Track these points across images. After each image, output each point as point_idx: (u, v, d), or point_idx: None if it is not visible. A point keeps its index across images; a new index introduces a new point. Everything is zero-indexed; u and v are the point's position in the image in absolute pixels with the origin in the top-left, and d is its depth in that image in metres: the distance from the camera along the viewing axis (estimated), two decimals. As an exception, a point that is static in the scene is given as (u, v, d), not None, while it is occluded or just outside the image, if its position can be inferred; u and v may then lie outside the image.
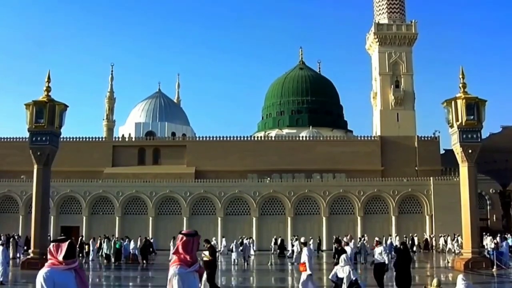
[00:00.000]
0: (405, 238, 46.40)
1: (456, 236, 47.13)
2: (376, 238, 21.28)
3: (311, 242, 42.23)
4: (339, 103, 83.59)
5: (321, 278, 24.25)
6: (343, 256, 15.36)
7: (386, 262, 18.55)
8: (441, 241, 50.11)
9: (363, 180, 55.06)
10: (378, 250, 18.74)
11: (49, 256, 5.34)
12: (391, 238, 45.97)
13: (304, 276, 16.29)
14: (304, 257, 16.53)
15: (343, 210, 55.08)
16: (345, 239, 31.45)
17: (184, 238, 5.55)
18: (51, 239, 37.02)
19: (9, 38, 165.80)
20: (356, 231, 52.78)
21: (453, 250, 45.79)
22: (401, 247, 18.28)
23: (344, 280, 14.72)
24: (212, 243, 40.01)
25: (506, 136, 51.74)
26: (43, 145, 28.75)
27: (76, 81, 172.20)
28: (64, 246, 5.25)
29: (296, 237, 42.42)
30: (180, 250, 5.52)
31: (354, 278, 14.52)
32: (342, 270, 14.88)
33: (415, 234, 51.39)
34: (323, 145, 64.27)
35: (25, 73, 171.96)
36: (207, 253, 17.66)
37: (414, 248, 47.69)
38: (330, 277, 16.22)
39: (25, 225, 48.73)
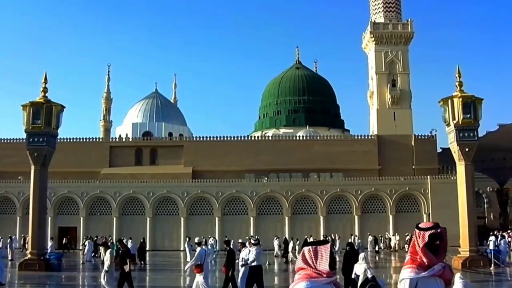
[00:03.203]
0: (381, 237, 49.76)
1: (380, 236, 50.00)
2: (252, 240, 18.34)
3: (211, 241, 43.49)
4: (336, 103, 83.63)
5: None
6: (362, 255, 15.29)
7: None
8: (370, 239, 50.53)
9: (360, 179, 55.06)
10: (253, 251, 16.74)
11: (301, 264, 4.09)
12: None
13: (199, 279, 15.74)
14: (197, 258, 16.01)
15: (341, 210, 55.09)
16: (240, 240, 27.84)
17: (416, 232, 4.42)
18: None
19: (7, 39, 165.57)
20: (354, 230, 52.94)
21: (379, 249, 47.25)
22: (347, 248, 17.65)
23: (360, 277, 14.73)
24: (210, 242, 40.34)
25: (503, 134, 51.74)
26: (40, 146, 28.66)
27: (73, 81, 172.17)
28: (326, 251, 4.07)
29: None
30: (417, 249, 4.41)
31: (370, 276, 14.48)
32: (359, 268, 14.88)
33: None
34: (320, 144, 64.27)
35: (22, 73, 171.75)
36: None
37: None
38: (353, 276, 15.68)
39: (23, 226, 48.61)
